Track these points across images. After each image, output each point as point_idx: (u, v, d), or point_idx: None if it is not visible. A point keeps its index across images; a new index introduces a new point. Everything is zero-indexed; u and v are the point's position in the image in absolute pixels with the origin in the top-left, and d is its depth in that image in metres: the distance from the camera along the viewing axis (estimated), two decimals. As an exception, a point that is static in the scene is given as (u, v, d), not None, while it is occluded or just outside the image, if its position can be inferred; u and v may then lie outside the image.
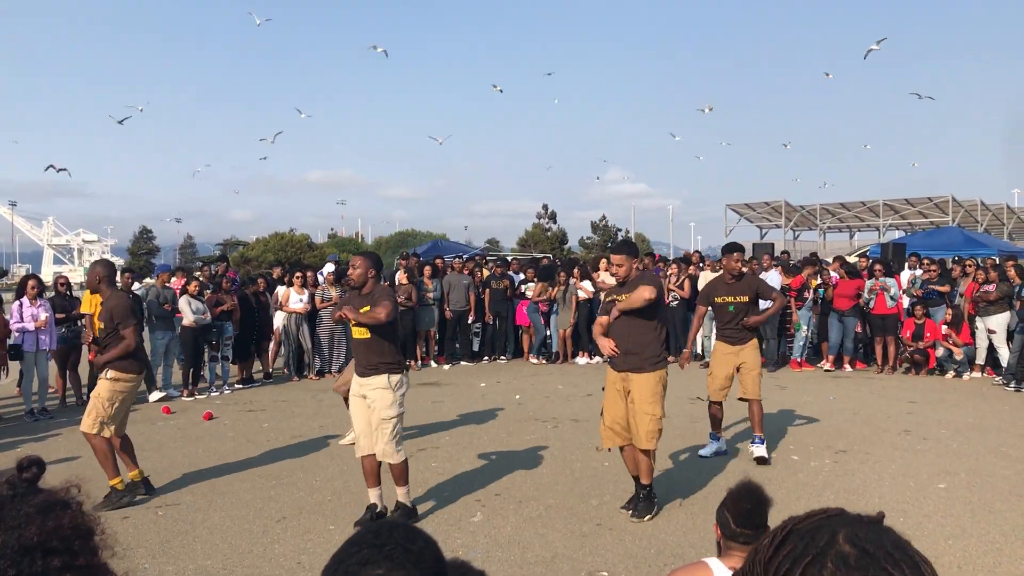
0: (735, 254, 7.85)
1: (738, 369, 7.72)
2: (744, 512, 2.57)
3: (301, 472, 7.41)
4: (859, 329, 13.93)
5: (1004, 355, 12.51)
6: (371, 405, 5.93)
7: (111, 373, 6.56)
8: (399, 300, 13.21)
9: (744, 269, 7.88)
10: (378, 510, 6.00)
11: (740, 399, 7.73)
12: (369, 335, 5.92)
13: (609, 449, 6.33)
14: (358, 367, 6.05)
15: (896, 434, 8.74)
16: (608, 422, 6.15)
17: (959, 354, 12.87)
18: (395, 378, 5.96)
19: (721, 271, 7.98)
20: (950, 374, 12.89)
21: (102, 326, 6.71)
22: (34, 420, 10.12)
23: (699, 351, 14.50)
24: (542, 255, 27.78)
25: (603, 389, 6.37)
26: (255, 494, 6.74)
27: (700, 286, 14.16)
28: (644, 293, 5.91)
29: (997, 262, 14.29)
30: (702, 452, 7.88)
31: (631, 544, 5.49)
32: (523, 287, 15.25)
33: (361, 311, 5.85)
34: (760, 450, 7.58)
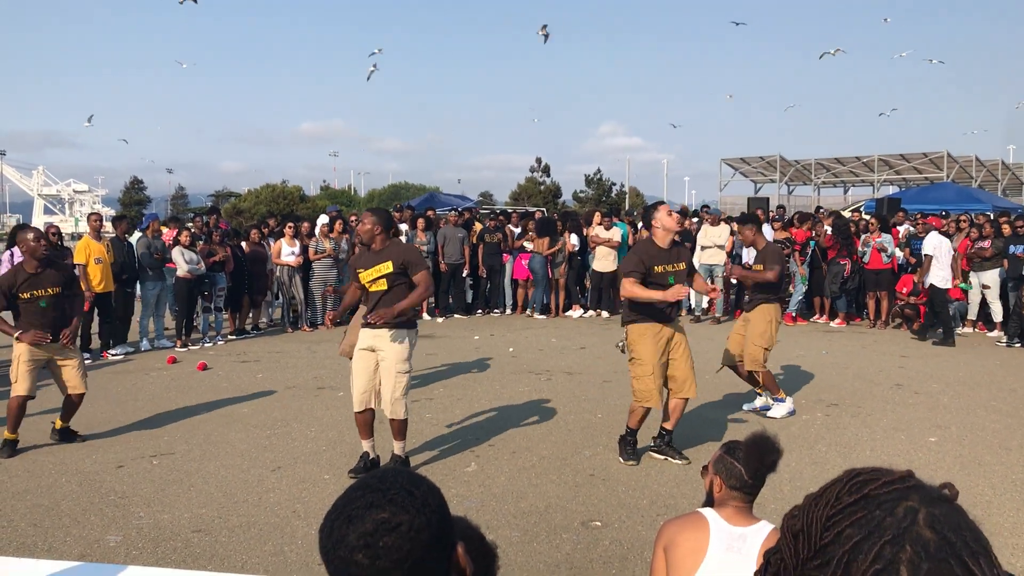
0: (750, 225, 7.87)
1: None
2: (768, 465, 2.55)
3: (296, 422, 7.44)
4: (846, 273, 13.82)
5: (996, 311, 12.56)
6: (383, 358, 5.87)
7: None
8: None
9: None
10: (371, 458, 6.03)
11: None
12: (387, 288, 5.87)
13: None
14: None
15: (888, 388, 8.79)
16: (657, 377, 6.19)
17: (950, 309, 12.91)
18: (410, 332, 5.97)
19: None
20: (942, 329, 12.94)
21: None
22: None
23: (691, 303, 14.56)
24: (535, 208, 27.65)
25: (621, 349, 6.46)
26: (250, 444, 6.76)
27: (699, 240, 14.19)
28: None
29: (992, 217, 14.28)
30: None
31: (624, 494, 5.53)
32: (522, 241, 15.19)
33: (375, 268, 5.85)
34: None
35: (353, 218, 16.11)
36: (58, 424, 6.89)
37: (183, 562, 4.49)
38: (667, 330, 6.22)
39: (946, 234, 13.10)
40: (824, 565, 0.98)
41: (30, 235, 6.79)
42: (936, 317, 11.98)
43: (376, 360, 5.92)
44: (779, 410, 7.61)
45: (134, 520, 5.07)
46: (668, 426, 6.35)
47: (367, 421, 6.01)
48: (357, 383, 5.97)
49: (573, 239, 14.90)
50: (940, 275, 11.80)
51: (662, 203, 6.64)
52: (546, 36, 24.91)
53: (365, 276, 5.89)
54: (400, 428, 6.00)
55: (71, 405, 6.85)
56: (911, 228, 14.19)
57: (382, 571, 1.13)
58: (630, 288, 6.05)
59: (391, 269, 5.83)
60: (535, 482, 5.79)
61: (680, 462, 6.19)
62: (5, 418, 6.66)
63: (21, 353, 6.57)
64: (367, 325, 5.88)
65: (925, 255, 11.98)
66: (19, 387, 6.55)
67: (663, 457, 6.29)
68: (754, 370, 7.54)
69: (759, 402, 7.86)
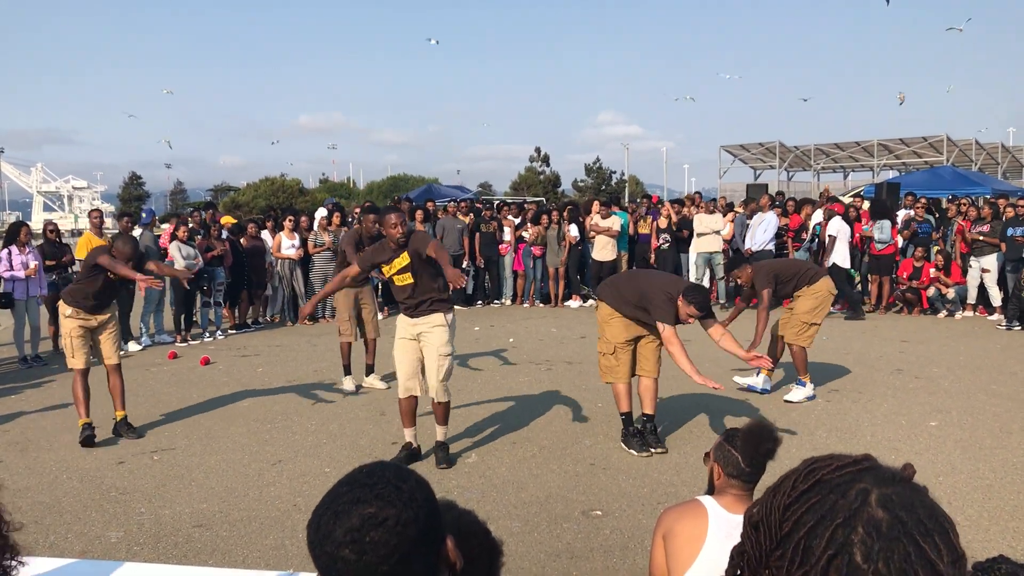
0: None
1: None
2: (764, 452, 2.55)
3: (296, 416, 7.43)
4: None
5: (994, 295, 12.55)
6: (427, 343, 5.92)
7: None
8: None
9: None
10: (413, 448, 6.10)
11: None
12: (413, 280, 5.90)
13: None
14: (408, 309, 5.99)
15: (888, 373, 8.79)
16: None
17: (950, 294, 12.90)
18: (449, 316, 6.02)
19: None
20: (942, 313, 12.94)
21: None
22: (27, 367, 10.12)
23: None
24: (535, 199, 27.62)
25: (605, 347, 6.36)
26: (250, 438, 6.76)
27: (696, 227, 14.17)
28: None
29: (992, 200, 14.26)
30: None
31: (624, 483, 5.53)
32: (521, 231, 15.19)
33: (396, 261, 5.89)
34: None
35: (357, 210, 16.09)
36: (119, 415, 6.93)
37: (184, 557, 4.49)
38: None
39: (847, 219, 13.59)
40: (784, 555, 0.99)
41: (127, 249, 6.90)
42: (842, 294, 12.42)
43: (419, 347, 5.97)
44: (798, 393, 7.64)
45: (135, 516, 5.08)
46: (647, 411, 6.30)
47: (411, 408, 6.07)
48: (403, 370, 6.01)
49: (573, 229, 14.88)
50: (841, 255, 12.79)
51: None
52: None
53: (389, 270, 5.97)
54: (444, 412, 6.07)
55: (115, 383, 6.96)
56: (911, 213, 14.17)
57: (369, 566, 1.13)
58: (678, 347, 5.75)
59: (408, 260, 5.87)
60: (536, 472, 5.79)
61: (658, 451, 6.15)
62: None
63: (72, 328, 6.73)
64: (408, 311, 5.96)
65: (829, 236, 12.88)
66: (76, 361, 6.75)
67: (632, 451, 6.17)
68: (794, 343, 7.59)
69: (751, 380, 7.91)
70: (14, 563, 1.24)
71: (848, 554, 0.93)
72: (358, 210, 15.33)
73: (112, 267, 6.64)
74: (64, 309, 6.83)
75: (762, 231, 13.32)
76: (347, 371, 8.59)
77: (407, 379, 6.00)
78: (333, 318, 13.50)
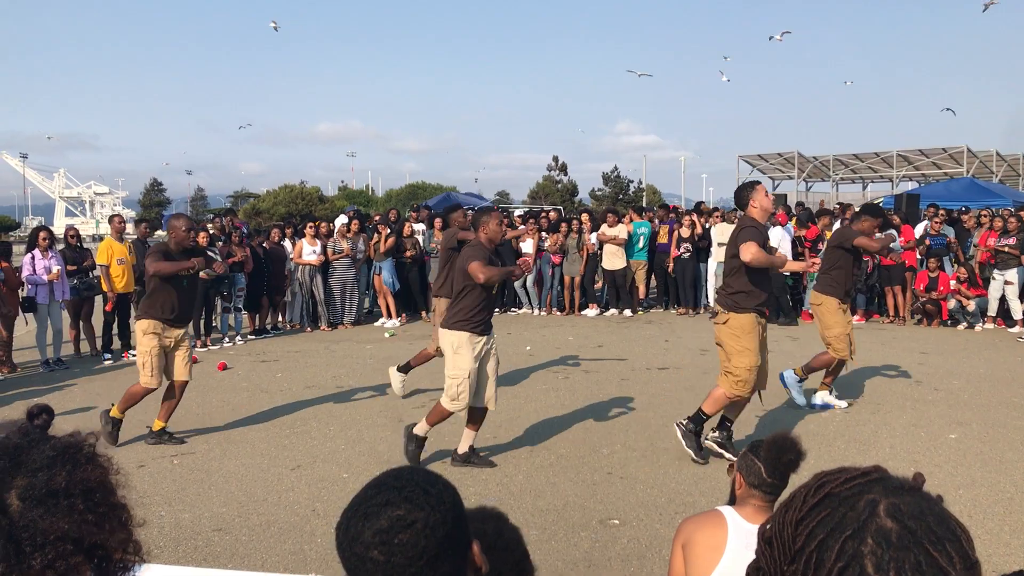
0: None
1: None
2: (785, 463, 2.55)
3: (315, 421, 7.48)
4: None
5: (1015, 308, 12.45)
6: (492, 355, 6.16)
7: None
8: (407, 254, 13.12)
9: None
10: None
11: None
12: (495, 291, 6.14)
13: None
14: (482, 325, 6.05)
15: (907, 384, 8.74)
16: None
17: (971, 306, 12.80)
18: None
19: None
20: (962, 325, 12.84)
21: None
22: (49, 370, 10.23)
23: (708, 301, 14.55)
24: (552, 207, 27.65)
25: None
26: (269, 443, 6.80)
27: (714, 237, 14.14)
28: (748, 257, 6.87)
29: (1013, 211, 14.15)
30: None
31: (642, 492, 5.53)
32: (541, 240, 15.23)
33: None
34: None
35: (377, 217, 16.16)
36: (156, 425, 6.85)
37: (204, 560, 4.53)
38: (762, 322, 6.22)
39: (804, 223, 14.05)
40: (798, 569, 1.00)
41: (181, 224, 6.90)
42: (777, 302, 13.01)
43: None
44: (799, 396, 7.79)
45: (155, 520, 5.12)
46: (732, 416, 6.33)
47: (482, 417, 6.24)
48: (481, 385, 6.10)
49: (592, 238, 14.88)
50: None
51: (758, 183, 6.56)
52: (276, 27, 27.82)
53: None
54: (483, 419, 6.25)
55: (176, 399, 6.89)
56: (928, 225, 14.07)
57: (397, 567, 1.15)
58: (756, 252, 5.87)
59: None
60: (553, 480, 5.80)
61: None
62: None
63: (151, 347, 6.64)
64: (480, 327, 6.03)
65: (770, 247, 13.01)
66: (152, 380, 6.69)
67: (721, 452, 6.20)
68: (839, 356, 7.65)
69: (828, 399, 7.89)
70: (135, 558, 1.28)
71: (859, 565, 0.94)
72: (414, 215, 15.41)
73: (158, 270, 6.53)
74: (143, 326, 6.69)
75: (775, 242, 13.38)
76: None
77: (490, 391, 6.15)
78: (355, 324, 13.59)
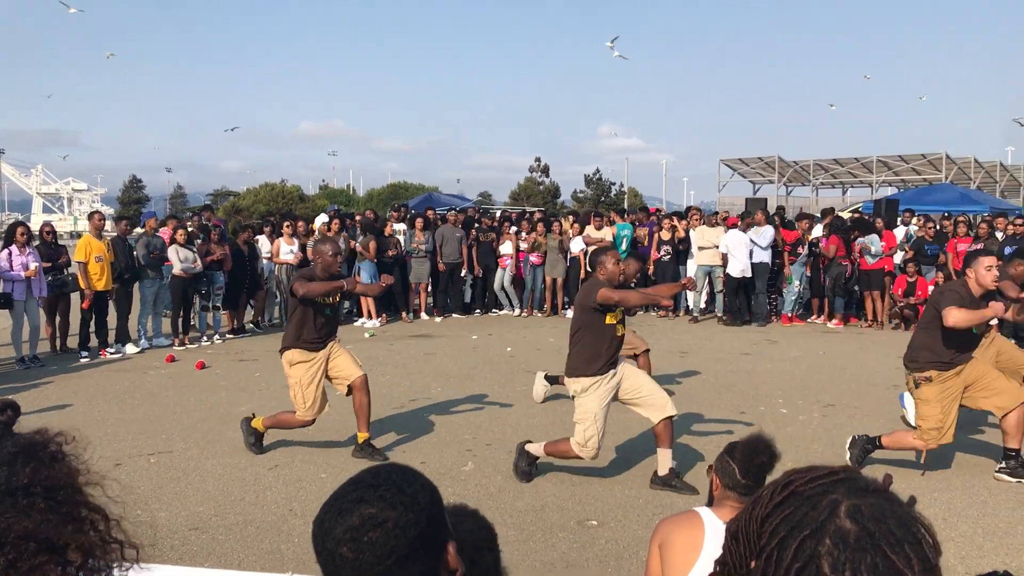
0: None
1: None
2: (758, 465, 2.57)
3: (293, 421, 7.42)
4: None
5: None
6: (629, 374, 5.80)
7: None
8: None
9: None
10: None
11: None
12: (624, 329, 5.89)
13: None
14: (611, 363, 5.67)
15: (884, 388, 8.81)
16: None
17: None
18: None
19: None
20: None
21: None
22: (25, 368, 10.12)
23: (688, 304, 14.63)
24: (534, 209, 27.64)
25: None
26: (247, 442, 6.76)
27: (694, 240, 14.20)
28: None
29: (988, 218, 14.29)
30: None
31: (620, 494, 5.54)
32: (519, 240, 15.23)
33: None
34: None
35: (359, 217, 16.09)
36: (361, 437, 6.42)
37: (180, 560, 4.50)
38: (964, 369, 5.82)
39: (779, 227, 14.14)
40: (757, 566, 1.00)
41: (328, 249, 6.36)
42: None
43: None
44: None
45: (132, 519, 5.06)
46: (1016, 444, 5.85)
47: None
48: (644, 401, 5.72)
49: (577, 243, 14.88)
50: (737, 267, 13.72)
51: (989, 254, 5.88)
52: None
53: (614, 317, 5.63)
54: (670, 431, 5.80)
55: (361, 401, 6.38)
56: (909, 230, 14.20)
57: (366, 565, 1.15)
58: (958, 315, 5.47)
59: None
60: (532, 481, 5.80)
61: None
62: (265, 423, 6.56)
63: (301, 377, 6.25)
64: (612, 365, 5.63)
65: (721, 254, 13.98)
66: (310, 412, 6.27)
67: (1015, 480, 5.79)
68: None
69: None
70: (115, 559, 1.25)
71: (816, 565, 0.94)
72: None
73: (309, 292, 6.06)
74: (290, 357, 6.30)
75: (732, 247, 13.69)
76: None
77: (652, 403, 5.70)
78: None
